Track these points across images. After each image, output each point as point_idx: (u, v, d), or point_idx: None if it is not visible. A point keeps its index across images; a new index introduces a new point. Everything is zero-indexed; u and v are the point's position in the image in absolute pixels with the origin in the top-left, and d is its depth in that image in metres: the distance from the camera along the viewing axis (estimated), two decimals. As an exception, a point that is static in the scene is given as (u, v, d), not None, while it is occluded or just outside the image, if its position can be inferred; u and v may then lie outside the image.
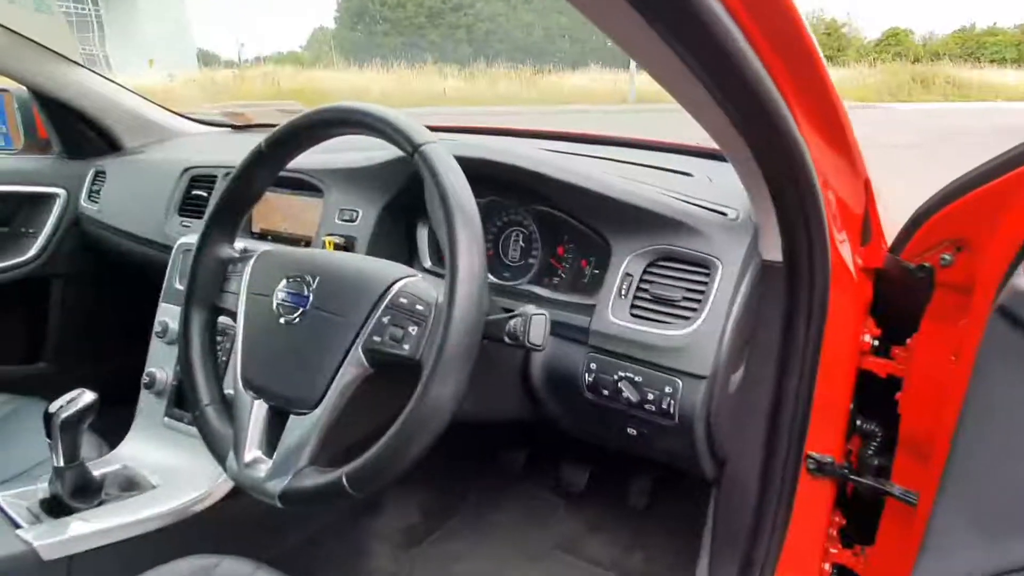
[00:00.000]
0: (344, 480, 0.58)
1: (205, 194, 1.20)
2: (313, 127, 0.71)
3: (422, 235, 1.08)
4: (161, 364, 1.08)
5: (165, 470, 1.00)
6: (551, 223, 0.96)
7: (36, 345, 1.55)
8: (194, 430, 1.04)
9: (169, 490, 0.96)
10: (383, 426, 0.61)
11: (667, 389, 0.75)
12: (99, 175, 1.49)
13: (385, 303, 0.62)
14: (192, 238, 1.14)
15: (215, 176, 1.20)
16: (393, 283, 0.63)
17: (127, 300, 1.66)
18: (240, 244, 0.79)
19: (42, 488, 0.91)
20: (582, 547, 1.24)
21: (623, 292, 0.79)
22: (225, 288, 0.76)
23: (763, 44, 0.45)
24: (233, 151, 1.31)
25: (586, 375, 0.81)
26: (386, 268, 0.66)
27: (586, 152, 1.08)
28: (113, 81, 1.51)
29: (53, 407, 0.88)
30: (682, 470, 0.90)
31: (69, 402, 0.88)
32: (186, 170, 1.24)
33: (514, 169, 0.90)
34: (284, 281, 0.67)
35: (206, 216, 0.77)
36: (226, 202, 0.76)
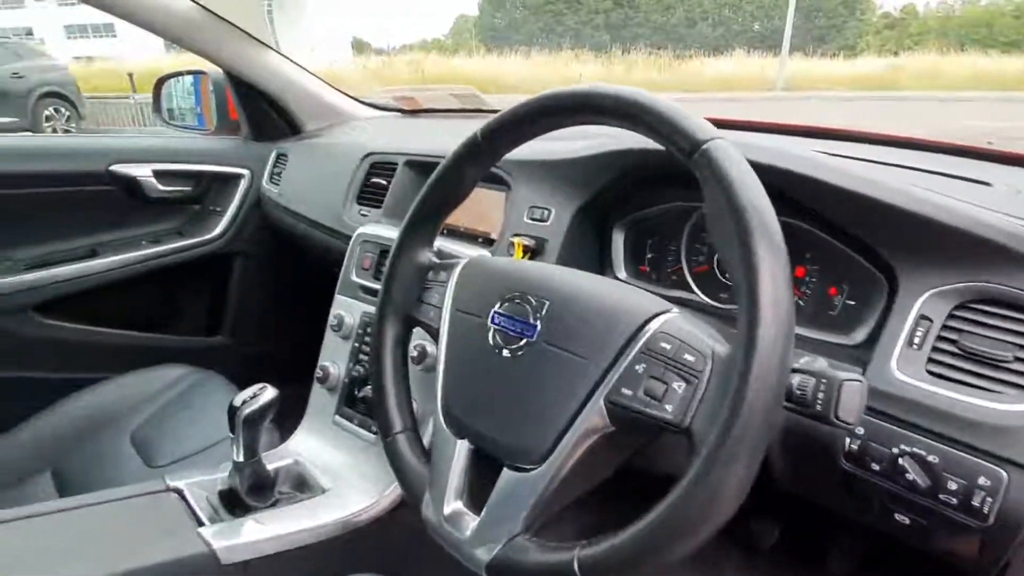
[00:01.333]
0: (576, 566, 0.45)
1: (384, 182, 1.13)
2: (544, 114, 0.57)
3: (617, 241, 0.93)
4: (334, 358, 1.03)
5: (335, 472, 0.95)
6: (787, 234, 0.77)
7: (217, 319, 1.60)
8: (364, 432, 0.99)
9: (339, 495, 0.91)
10: (608, 486, 0.47)
11: (981, 481, 0.54)
12: (281, 157, 1.49)
13: (639, 346, 0.48)
14: (371, 228, 1.08)
15: (395, 164, 1.12)
16: (649, 320, 0.49)
17: (303, 283, 1.67)
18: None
19: (221, 479, 0.89)
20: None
21: (915, 341, 0.59)
22: (424, 299, 0.66)
23: None
24: (409, 137, 1.23)
25: (848, 440, 0.62)
26: (638, 299, 0.51)
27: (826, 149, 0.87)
28: (298, 64, 1.50)
29: (237, 400, 0.84)
30: (941, 561, 0.69)
31: (252, 397, 0.84)
32: (366, 156, 1.18)
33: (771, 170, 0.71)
34: (502, 302, 0.55)
35: (408, 216, 0.67)
36: (431, 199, 0.65)
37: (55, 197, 1.31)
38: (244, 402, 0.84)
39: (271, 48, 1.44)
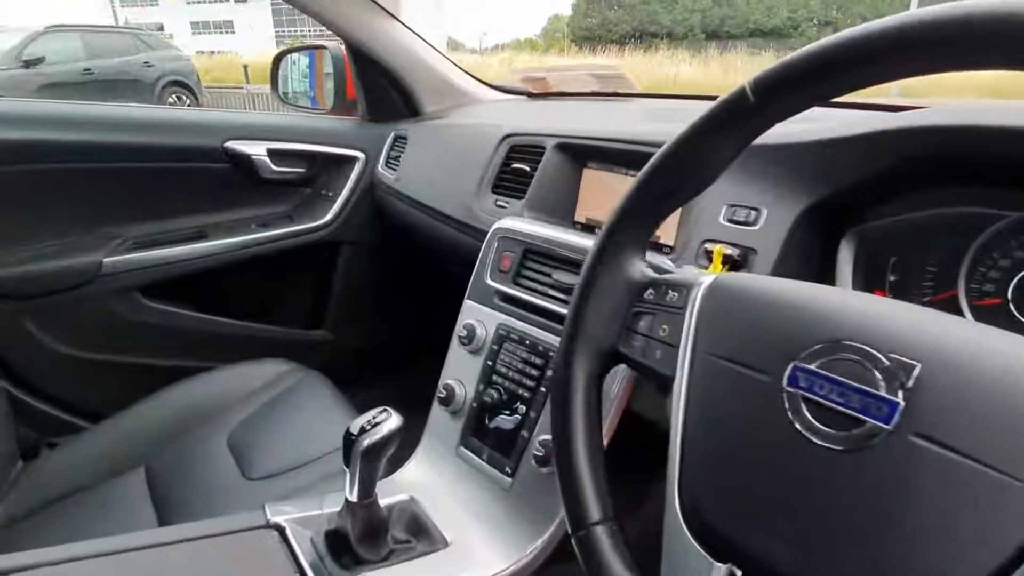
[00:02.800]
0: None
1: (528, 168, 0.93)
2: (877, 55, 0.34)
3: (845, 255, 0.69)
4: (460, 376, 0.85)
5: (458, 519, 0.76)
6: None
7: (319, 312, 1.47)
8: (495, 471, 0.81)
9: (465, 551, 0.72)
10: None
11: None
12: (399, 140, 1.33)
13: None
14: (512, 222, 0.88)
15: (541, 147, 0.93)
16: None
17: (415, 279, 1.52)
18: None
19: (329, 516, 0.72)
20: None
21: None
22: (634, 327, 0.45)
23: None
24: (551, 119, 1.04)
25: None
26: None
27: None
28: (425, 40, 1.34)
29: (354, 427, 0.67)
30: None
31: (373, 425, 0.67)
32: (505, 138, 0.99)
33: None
34: (811, 354, 0.34)
35: (617, 209, 0.46)
36: (656, 185, 0.45)
37: (169, 172, 1.21)
38: (363, 429, 0.67)
39: (399, 21, 1.28)
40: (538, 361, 0.78)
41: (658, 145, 0.45)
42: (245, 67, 10.96)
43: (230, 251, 1.27)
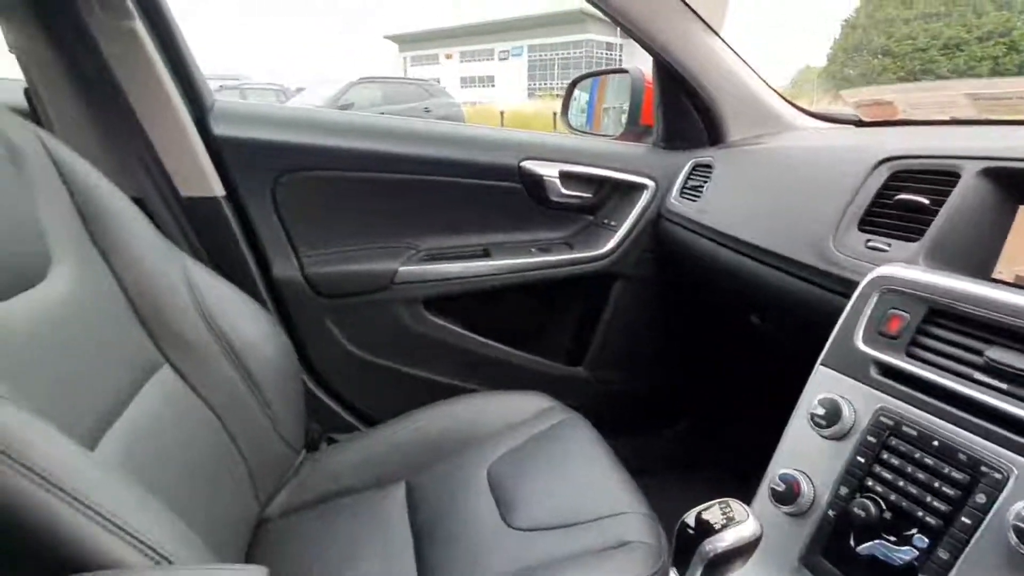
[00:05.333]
0: None
1: (926, 201, 0.67)
2: None
3: None
4: (808, 468, 0.62)
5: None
6: None
7: (581, 348, 1.34)
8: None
9: None
10: None
11: None
12: (700, 168, 1.16)
13: None
14: (904, 271, 0.64)
15: (955, 173, 0.66)
16: None
17: (697, 325, 1.33)
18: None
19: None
20: None
21: None
22: None
23: None
24: (931, 141, 0.76)
25: None
26: None
27: None
28: (743, 59, 1.15)
29: (690, 518, 0.49)
30: None
31: (722, 525, 0.48)
32: (885, 161, 0.74)
33: None
34: None
35: None
36: None
37: (465, 187, 1.19)
38: (704, 526, 0.48)
39: (720, 37, 1.12)
40: (958, 476, 0.51)
41: None
42: (502, 113, 11.99)
43: (509, 272, 1.20)
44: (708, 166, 1.13)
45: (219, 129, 1.04)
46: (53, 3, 0.86)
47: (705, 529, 0.48)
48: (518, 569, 0.72)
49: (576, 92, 1.52)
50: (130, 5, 0.90)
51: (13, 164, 0.63)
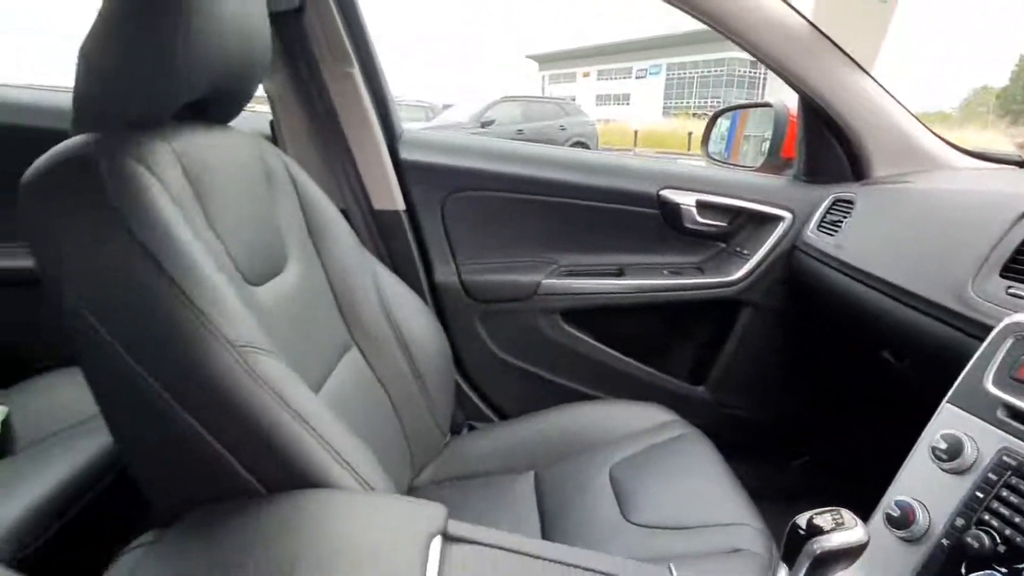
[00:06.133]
0: None
1: None
2: None
3: None
4: (925, 498, 0.65)
5: None
6: None
7: (703, 369, 1.40)
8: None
9: None
10: None
11: None
12: (840, 203, 1.17)
13: None
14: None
15: None
16: None
17: (824, 357, 1.33)
18: None
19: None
20: None
21: None
22: None
23: None
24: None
25: None
26: None
27: None
28: (894, 97, 1.16)
29: (802, 520, 0.56)
30: None
31: (830, 528, 0.54)
32: None
33: None
34: None
35: None
36: None
37: (605, 211, 1.30)
38: (814, 528, 0.54)
39: (871, 76, 1.13)
40: (1078, 519, 0.53)
41: None
42: (635, 132, 11.96)
43: (641, 292, 1.29)
44: (849, 202, 1.14)
45: (405, 153, 1.24)
46: (300, 57, 1.11)
47: (815, 531, 0.55)
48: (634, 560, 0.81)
49: (718, 122, 1.57)
50: (351, 55, 1.13)
51: (267, 181, 0.83)
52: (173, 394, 0.56)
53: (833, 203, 1.20)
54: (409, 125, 1.32)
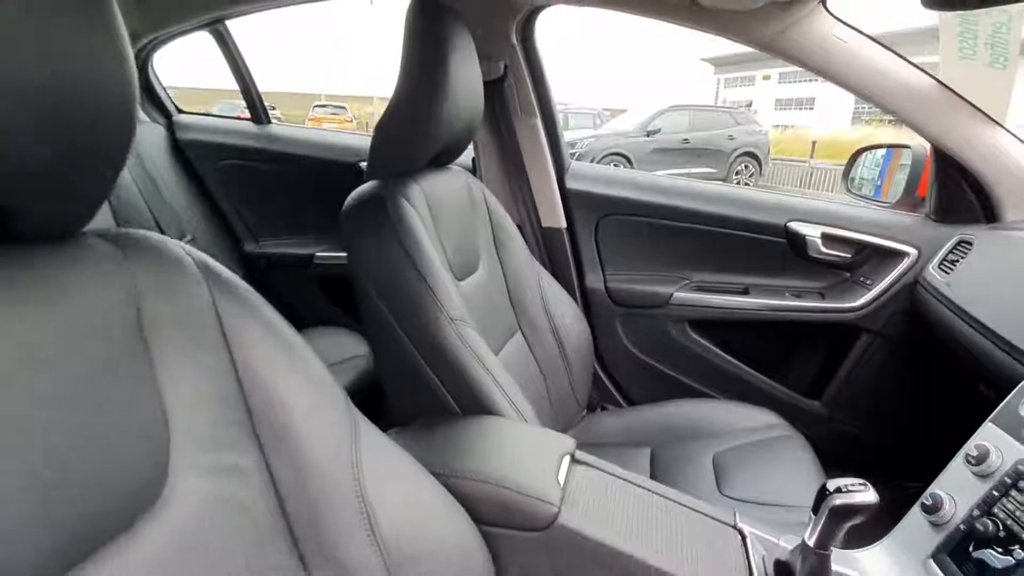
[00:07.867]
0: None
1: None
2: None
3: None
4: (954, 491, 0.81)
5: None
6: None
7: (820, 385, 1.52)
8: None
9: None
10: None
11: None
12: (962, 244, 1.25)
13: None
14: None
15: None
16: None
17: (933, 387, 1.40)
18: None
19: (784, 549, 0.82)
20: None
21: None
22: None
23: None
24: None
25: None
26: None
27: None
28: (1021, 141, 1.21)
29: (831, 485, 0.76)
30: None
31: (848, 489, 0.74)
32: None
33: None
34: None
35: None
36: None
37: (735, 239, 1.50)
38: (839, 489, 0.75)
39: (1000, 125, 1.20)
40: (1063, 517, 0.68)
41: None
42: (813, 142, 11.12)
43: (763, 310, 1.47)
44: (969, 243, 1.22)
45: (571, 183, 1.56)
46: (499, 113, 1.47)
47: (838, 491, 0.75)
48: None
49: (861, 158, 1.66)
50: (536, 109, 1.47)
51: (471, 204, 1.18)
52: (414, 343, 0.92)
53: (957, 243, 1.27)
54: (578, 133, 1.64)
